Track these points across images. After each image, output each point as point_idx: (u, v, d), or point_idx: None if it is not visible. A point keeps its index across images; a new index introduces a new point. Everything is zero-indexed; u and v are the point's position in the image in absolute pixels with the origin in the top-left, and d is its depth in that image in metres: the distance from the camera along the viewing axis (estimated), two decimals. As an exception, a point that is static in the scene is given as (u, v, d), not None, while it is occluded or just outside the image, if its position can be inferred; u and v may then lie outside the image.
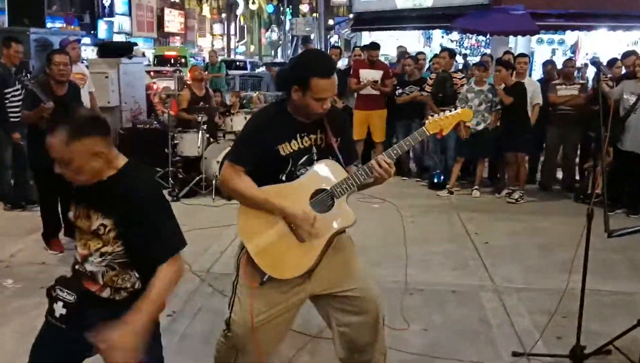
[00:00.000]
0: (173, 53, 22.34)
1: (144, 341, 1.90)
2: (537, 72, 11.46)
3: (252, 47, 47.99)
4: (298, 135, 2.40)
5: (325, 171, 2.41)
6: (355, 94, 8.10)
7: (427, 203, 6.71)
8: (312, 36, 27.02)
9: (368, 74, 7.86)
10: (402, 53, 9.10)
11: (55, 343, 2.08)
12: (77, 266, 2.11)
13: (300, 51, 10.89)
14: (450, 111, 2.52)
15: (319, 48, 19.02)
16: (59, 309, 2.02)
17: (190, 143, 6.77)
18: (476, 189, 7.07)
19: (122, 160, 2.04)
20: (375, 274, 4.35)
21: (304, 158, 2.41)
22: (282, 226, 2.37)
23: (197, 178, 6.74)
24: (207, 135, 6.95)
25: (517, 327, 3.61)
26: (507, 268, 4.63)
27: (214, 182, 6.58)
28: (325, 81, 2.29)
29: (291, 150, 2.39)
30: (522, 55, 7.56)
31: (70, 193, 2.10)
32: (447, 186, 7.14)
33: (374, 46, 8.06)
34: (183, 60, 21.13)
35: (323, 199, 2.38)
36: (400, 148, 2.42)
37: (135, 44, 8.99)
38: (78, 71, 6.26)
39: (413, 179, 7.96)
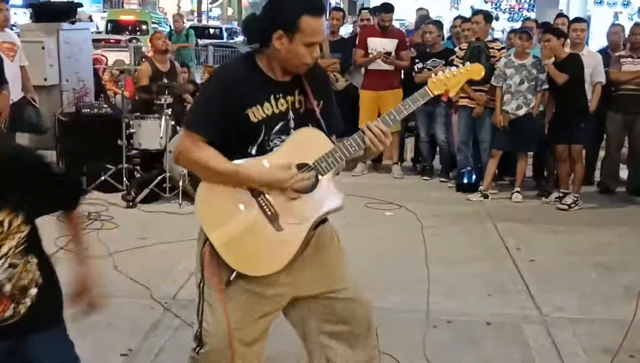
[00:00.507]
0: (131, 18, 22.35)
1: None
2: (596, 43, 11.50)
3: (230, 11, 48.06)
4: (272, 96, 2.42)
5: (306, 142, 2.44)
6: (363, 70, 8.11)
7: (455, 210, 6.72)
8: None
9: (379, 44, 7.88)
10: (423, 17, 9.11)
11: None
12: None
13: None
14: (458, 66, 2.64)
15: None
16: None
17: (150, 133, 6.76)
18: (517, 191, 7.08)
19: None
20: (389, 302, 4.40)
21: (279, 125, 2.44)
22: (254, 211, 2.41)
23: (160, 177, 6.72)
24: (173, 122, 6.94)
25: (571, 370, 3.63)
26: (558, 294, 4.64)
27: (180, 183, 6.56)
28: (317, 20, 2.32)
29: (264, 115, 2.41)
30: (578, 19, 7.57)
31: None
32: (481, 187, 7.15)
33: (387, 8, 8.07)
34: (144, 27, 21.15)
35: None
36: (398, 113, 2.47)
37: (80, 5, 8.97)
38: (5, 39, 6.27)
39: (437, 179, 7.97)
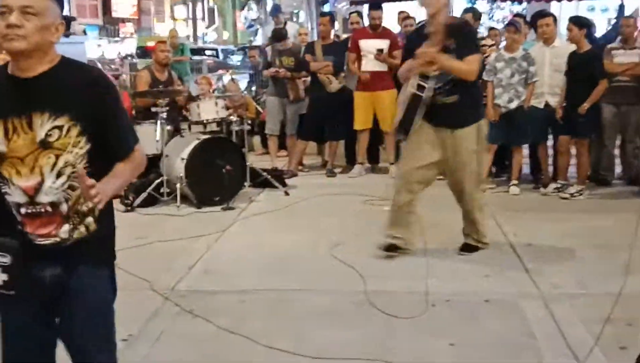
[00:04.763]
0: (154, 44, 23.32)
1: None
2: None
3: (226, 34, 48.30)
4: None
5: None
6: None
7: (452, 204, 6.70)
8: (300, 15, 27.24)
9: (371, 45, 7.94)
10: (404, 18, 9.12)
11: (19, 316, 2.26)
12: (22, 210, 2.17)
13: (274, 23, 11.00)
14: None
15: (307, 26, 19.18)
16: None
17: (147, 138, 6.75)
18: (514, 184, 7.10)
19: (57, 56, 2.20)
20: (388, 287, 4.45)
21: None
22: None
23: (157, 181, 6.77)
24: (169, 127, 7.01)
25: (569, 339, 3.64)
26: (556, 273, 4.67)
27: (177, 186, 6.62)
28: None
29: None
30: (543, 14, 7.55)
31: None
32: (478, 182, 7.18)
33: (376, 6, 8.17)
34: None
35: None
36: None
37: (74, 18, 9.09)
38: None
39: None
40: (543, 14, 7.69)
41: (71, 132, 2.13)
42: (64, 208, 2.18)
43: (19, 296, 2.18)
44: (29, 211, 2.17)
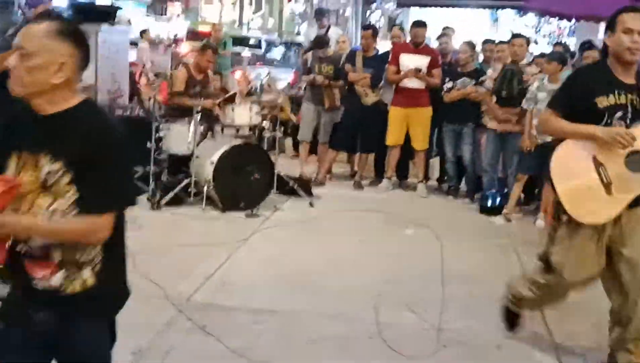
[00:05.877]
0: (207, 30, 23.24)
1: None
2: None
3: (271, 21, 48.30)
4: (616, 91, 3.36)
5: None
6: (394, 87, 8.10)
7: (476, 232, 6.67)
8: (346, 11, 27.15)
9: (411, 61, 7.86)
10: (444, 34, 9.02)
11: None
12: (18, 248, 2.10)
13: (317, 27, 10.86)
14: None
15: (351, 26, 19.10)
16: None
17: (178, 137, 6.83)
18: (541, 219, 6.99)
19: (79, 98, 2.13)
20: (402, 317, 4.41)
21: (619, 114, 3.36)
22: (593, 176, 3.37)
23: (185, 181, 6.80)
24: (202, 128, 7.02)
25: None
26: (574, 321, 4.57)
27: (205, 188, 6.63)
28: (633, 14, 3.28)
29: (608, 104, 3.35)
30: (588, 46, 7.39)
31: (7, 141, 2.11)
32: (504, 211, 7.09)
33: (420, 24, 8.08)
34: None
35: (638, 161, 3.32)
36: None
37: (119, 8, 9.13)
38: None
39: (462, 200, 7.93)
40: (589, 46, 7.52)
41: (64, 178, 2.04)
42: (57, 254, 2.08)
43: (6, 333, 2.13)
44: (23, 250, 2.10)
